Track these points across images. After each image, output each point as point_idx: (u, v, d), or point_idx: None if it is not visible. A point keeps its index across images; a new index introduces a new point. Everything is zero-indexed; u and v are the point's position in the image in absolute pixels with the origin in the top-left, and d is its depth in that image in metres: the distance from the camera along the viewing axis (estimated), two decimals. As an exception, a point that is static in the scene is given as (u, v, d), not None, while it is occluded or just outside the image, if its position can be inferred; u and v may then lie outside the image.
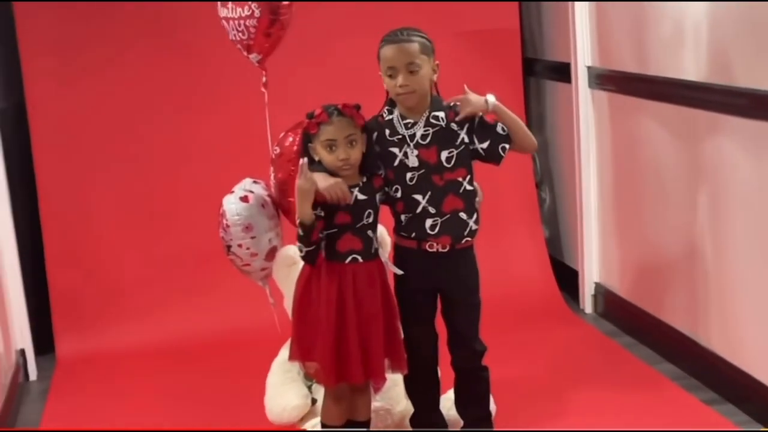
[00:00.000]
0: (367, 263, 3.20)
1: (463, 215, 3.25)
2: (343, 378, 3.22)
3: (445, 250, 3.26)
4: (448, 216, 3.24)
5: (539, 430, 3.64)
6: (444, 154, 3.23)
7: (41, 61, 4.78)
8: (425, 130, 3.22)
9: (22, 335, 4.57)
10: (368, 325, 3.19)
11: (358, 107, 3.21)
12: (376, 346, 3.20)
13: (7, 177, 4.51)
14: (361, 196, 3.19)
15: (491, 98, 3.24)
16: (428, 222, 3.24)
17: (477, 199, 3.30)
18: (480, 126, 3.27)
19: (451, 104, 3.24)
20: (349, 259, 3.18)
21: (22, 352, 4.57)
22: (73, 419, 4.07)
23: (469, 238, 3.28)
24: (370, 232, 3.22)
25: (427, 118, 3.22)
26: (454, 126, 3.24)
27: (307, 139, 3.23)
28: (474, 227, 3.28)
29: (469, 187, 3.26)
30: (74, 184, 4.84)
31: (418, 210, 3.24)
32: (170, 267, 4.85)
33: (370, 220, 3.21)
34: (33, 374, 4.60)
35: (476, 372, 3.43)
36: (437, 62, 3.25)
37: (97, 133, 4.85)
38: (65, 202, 4.83)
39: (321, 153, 3.18)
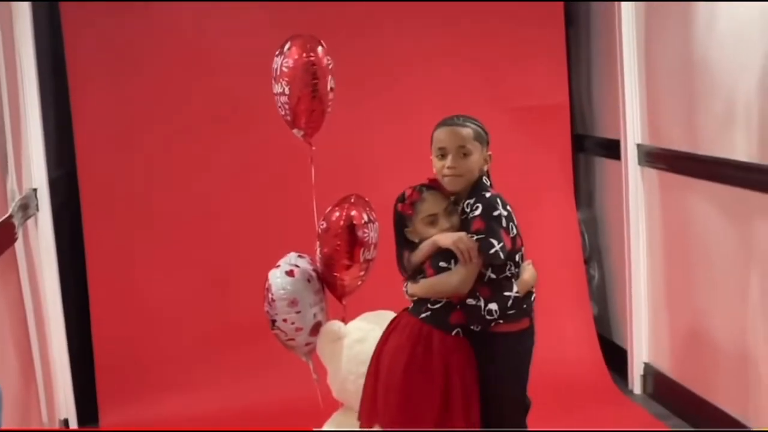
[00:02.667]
0: (464, 337, 3.19)
1: (471, 300, 3.14)
2: None
3: (475, 329, 3.18)
4: (466, 297, 3.17)
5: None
6: None
7: (94, 130, 4.82)
8: (462, 216, 3.20)
9: (66, 405, 4.59)
10: (469, 396, 3.16)
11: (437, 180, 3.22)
12: (475, 417, 3.17)
13: (57, 247, 4.55)
14: None
15: (409, 289, 3.22)
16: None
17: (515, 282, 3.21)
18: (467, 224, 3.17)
19: None
20: (455, 332, 3.17)
21: (66, 422, 4.58)
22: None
23: (489, 323, 3.14)
24: None
25: (463, 207, 3.19)
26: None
27: (401, 224, 3.24)
28: (489, 317, 3.13)
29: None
30: (123, 257, 4.86)
31: None
32: (215, 341, 4.84)
33: None
34: (76, 445, 4.61)
35: None
36: (490, 153, 3.23)
37: (146, 206, 4.88)
38: (113, 274, 4.84)
39: (423, 231, 3.18)
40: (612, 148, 4.98)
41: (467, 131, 3.18)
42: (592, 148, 5.34)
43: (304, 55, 3.62)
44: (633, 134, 4.77)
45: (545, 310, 4.93)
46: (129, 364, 4.81)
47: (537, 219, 5.16)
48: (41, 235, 4.47)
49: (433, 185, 3.22)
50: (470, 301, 3.15)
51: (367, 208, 3.70)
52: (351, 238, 3.63)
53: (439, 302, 3.18)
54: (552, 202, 5.27)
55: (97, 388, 4.78)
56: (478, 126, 3.22)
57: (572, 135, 5.30)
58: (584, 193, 5.43)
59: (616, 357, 5.05)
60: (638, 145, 4.76)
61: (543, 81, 5.19)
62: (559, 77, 5.22)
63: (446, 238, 3.13)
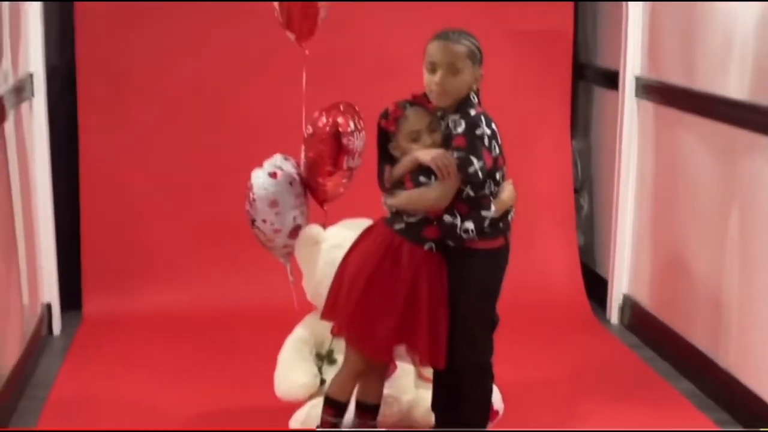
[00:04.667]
0: (438, 252, 3.21)
1: (448, 217, 3.15)
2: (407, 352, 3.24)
3: (450, 245, 3.20)
4: (442, 213, 3.18)
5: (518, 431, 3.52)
6: None
7: (94, 20, 4.84)
8: (445, 132, 3.20)
9: (50, 290, 4.64)
10: (435, 310, 3.18)
11: (425, 95, 3.20)
12: (441, 333, 3.20)
13: (50, 134, 4.58)
14: None
15: (388, 200, 3.22)
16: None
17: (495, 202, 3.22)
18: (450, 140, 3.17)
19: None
20: (427, 246, 3.19)
21: (48, 307, 4.64)
22: (89, 376, 4.16)
23: (464, 241, 3.15)
24: None
25: (448, 123, 3.18)
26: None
27: (384, 140, 3.24)
28: (465, 235, 3.13)
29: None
30: (115, 146, 4.90)
31: None
32: (200, 235, 4.91)
33: None
34: (57, 329, 4.67)
35: (465, 383, 3.29)
36: (482, 72, 3.19)
37: (141, 99, 4.90)
38: (105, 163, 4.89)
39: (406, 147, 3.18)
40: (612, 79, 4.96)
41: (460, 48, 3.14)
42: (593, 77, 5.32)
43: None
44: (632, 66, 4.76)
45: (532, 235, 5.05)
46: (115, 253, 4.89)
47: (532, 145, 5.19)
48: (35, 120, 4.48)
49: (417, 101, 3.21)
50: (447, 218, 3.16)
51: (356, 117, 3.69)
52: (335, 144, 3.63)
53: (415, 216, 3.20)
54: (548, 130, 5.28)
55: (82, 275, 4.85)
56: (473, 43, 3.17)
57: (574, 63, 5.28)
58: (581, 123, 5.43)
59: (597, 287, 5.10)
60: (637, 78, 4.75)
61: (548, 6, 5.15)
62: (565, 3, 5.19)
63: (426, 154, 3.13)
